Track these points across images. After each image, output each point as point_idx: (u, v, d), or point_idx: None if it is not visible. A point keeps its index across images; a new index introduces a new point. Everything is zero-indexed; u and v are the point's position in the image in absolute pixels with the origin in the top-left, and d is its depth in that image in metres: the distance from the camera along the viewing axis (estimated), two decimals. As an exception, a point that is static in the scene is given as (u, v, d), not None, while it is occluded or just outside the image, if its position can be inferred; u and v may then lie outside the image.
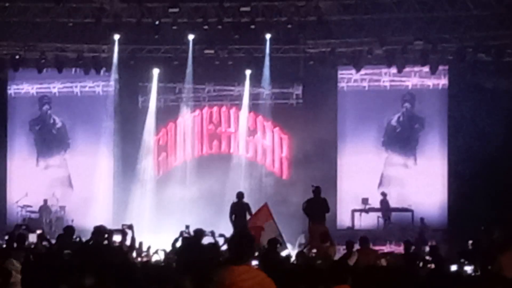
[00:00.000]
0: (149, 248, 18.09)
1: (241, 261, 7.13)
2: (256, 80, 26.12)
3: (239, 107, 26.59)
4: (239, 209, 21.28)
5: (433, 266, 15.11)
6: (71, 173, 26.68)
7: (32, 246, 16.28)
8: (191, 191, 25.72)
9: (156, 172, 26.62)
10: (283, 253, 17.80)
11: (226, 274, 7.10)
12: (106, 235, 14.10)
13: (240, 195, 21.54)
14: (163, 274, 10.48)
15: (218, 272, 7.20)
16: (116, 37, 25.08)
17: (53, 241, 15.79)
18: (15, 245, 14.65)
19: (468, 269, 15.90)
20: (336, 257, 16.58)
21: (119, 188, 25.86)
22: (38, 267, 12.39)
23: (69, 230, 14.60)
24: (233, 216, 21.25)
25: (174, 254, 15.61)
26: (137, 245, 16.27)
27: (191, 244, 15.25)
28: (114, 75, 26.06)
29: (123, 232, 15.45)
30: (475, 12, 23.40)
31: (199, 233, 15.51)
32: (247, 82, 26.10)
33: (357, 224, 25.02)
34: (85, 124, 26.58)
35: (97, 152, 26.25)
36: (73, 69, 26.38)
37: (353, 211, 25.25)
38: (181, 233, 16.74)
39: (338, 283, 7.96)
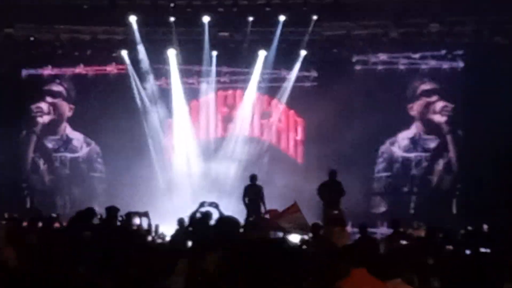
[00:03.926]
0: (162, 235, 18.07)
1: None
2: (271, 62, 26.03)
3: (254, 90, 26.53)
4: (252, 191, 21.29)
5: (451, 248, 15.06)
6: (86, 154, 26.69)
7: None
8: (203, 173, 25.78)
9: (169, 154, 26.60)
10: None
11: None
12: (119, 217, 14.13)
13: (253, 178, 21.53)
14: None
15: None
16: (133, 18, 24.98)
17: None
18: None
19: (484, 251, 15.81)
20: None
21: (132, 170, 25.77)
22: (54, 247, 12.40)
23: (89, 211, 14.54)
24: (246, 199, 21.29)
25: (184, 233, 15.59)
26: (153, 227, 16.32)
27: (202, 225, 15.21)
28: (128, 57, 26.02)
29: (140, 215, 15.50)
30: (491, -5, 23.25)
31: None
32: (259, 63, 25.96)
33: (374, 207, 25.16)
34: (100, 105, 26.42)
35: (111, 133, 26.17)
36: (88, 51, 26.31)
37: (370, 194, 25.30)
38: (202, 204, 16.43)
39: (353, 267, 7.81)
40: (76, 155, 26.95)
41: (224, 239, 7.12)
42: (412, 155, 26.03)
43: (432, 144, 26.01)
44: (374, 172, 25.97)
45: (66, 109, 26.99)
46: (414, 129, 26.12)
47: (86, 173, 26.81)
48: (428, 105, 25.97)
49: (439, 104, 25.81)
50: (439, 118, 25.96)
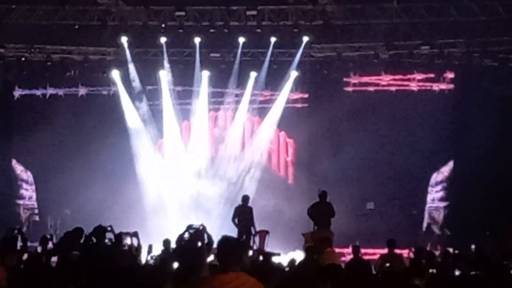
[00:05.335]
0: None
1: (228, 268, 6.91)
2: (262, 83, 26.09)
3: (244, 110, 26.55)
4: (243, 212, 21.25)
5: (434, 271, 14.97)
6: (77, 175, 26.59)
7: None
8: (193, 193, 25.73)
9: (161, 174, 26.55)
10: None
11: (212, 284, 6.88)
12: (106, 234, 14.05)
13: (245, 199, 21.51)
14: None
15: (204, 282, 7.00)
16: (124, 39, 25.06)
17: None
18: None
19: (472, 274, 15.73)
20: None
21: (123, 190, 25.69)
22: (41, 268, 12.32)
23: (78, 231, 14.48)
24: (236, 220, 21.24)
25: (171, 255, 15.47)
26: (146, 248, 16.23)
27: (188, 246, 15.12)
28: (120, 78, 26.02)
29: (131, 235, 15.43)
30: (481, 18, 23.36)
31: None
32: (250, 84, 26.02)
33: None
34: (90, 126, 26.32)
35: (104, 154, 26.08)
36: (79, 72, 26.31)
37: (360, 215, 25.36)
38: (189, 227, 16.42)
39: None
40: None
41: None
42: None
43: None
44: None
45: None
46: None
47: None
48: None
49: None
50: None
